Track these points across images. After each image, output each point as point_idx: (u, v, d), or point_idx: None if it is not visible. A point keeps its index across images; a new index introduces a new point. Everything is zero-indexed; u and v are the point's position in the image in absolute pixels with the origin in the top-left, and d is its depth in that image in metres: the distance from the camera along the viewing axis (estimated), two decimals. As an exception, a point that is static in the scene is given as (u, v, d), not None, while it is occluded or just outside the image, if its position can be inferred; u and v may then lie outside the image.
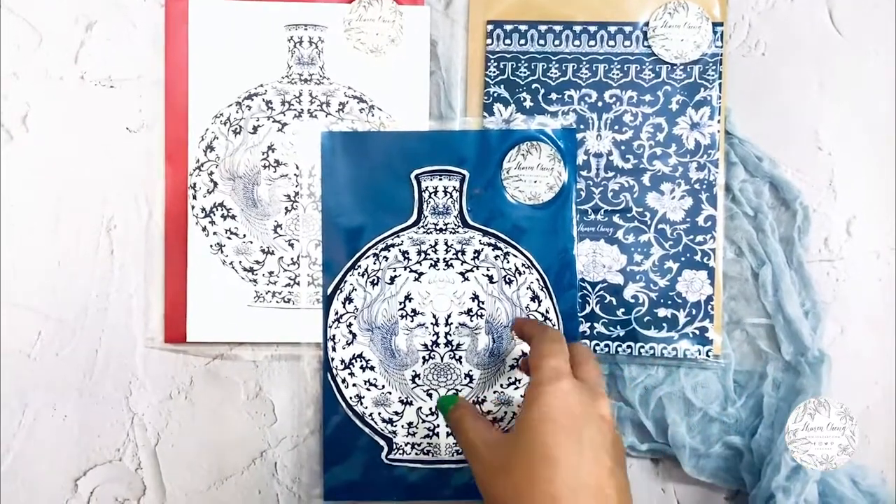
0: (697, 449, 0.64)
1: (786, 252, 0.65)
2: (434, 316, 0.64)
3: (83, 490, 0.66)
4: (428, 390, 0.65)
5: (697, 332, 0.65)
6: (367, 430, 0.65)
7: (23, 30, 0.65)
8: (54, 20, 0.65)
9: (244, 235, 0.66)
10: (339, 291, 0.65)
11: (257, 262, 0.66)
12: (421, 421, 0.65)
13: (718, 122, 0.65)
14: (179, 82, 0.65)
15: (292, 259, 0.66)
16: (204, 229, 0.66)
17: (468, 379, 0.64)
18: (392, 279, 0.65)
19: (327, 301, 0.65)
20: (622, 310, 0.65)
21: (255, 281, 0.66)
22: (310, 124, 0.66)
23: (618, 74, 0.65)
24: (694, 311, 0.65)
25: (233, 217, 0.66)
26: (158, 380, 0.66)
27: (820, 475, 0.60)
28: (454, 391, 0.65)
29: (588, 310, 0.65)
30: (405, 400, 0.65)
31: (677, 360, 0.65)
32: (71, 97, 0.65)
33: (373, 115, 0.66)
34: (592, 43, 0.65)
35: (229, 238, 0.66)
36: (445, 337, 0.64)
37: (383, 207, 0.65)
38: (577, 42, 0.65)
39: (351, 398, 0.65)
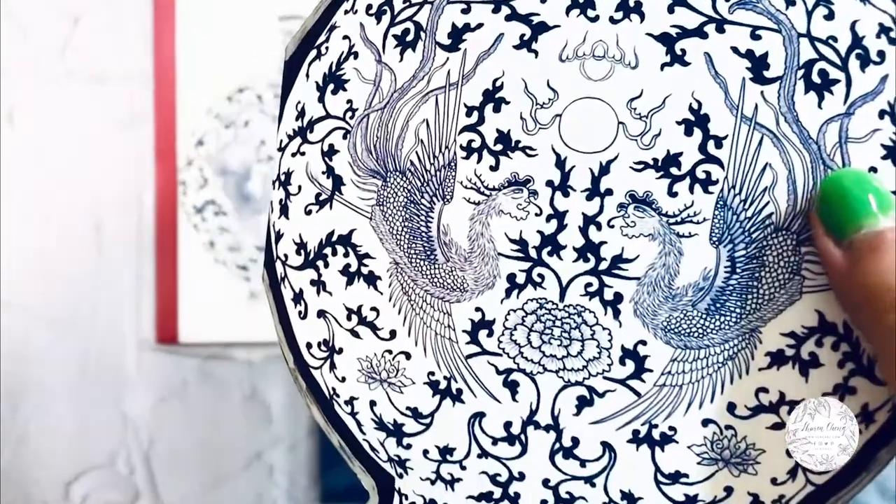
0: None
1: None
2: (560, 160, 0.25)
3: (75, 495, 0.65)
4: (511, 374, 0.26)
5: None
6: (347, 458, 0.29)
7: (8, 25, 0.64)
8: (40, 15, 0.64)
9: (236, 232, 0.64)
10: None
11: (251, 260, 0.64)
12: (478, 452, 0.27)
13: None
14: (168, 77, 0.64)
15: (286, 256, 0.65)
16: (195, 226, 0.64)
17: (629, 362, 0.25)
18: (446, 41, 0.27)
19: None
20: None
21: (248, 279, 0.64)
22: (302, 118, 0.64)
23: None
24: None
25: (224, 213, 0.64)
26: (151, 381, 0.65)
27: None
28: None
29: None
30: (446, 385, 0.27)
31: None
32: (58, 94, 0.64)
33: (366, 108, 0.64)
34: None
35: (221, 235, 0.64)
36: (583, 228, 0.25)
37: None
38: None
39: (314, 363, 0.29)
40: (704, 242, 0.24)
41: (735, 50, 0.24)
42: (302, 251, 0.28)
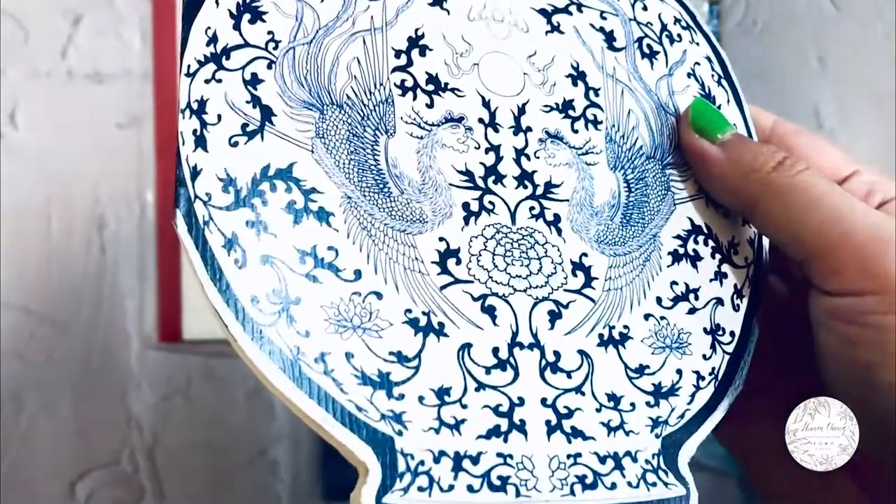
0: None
1: (790, 231, 0.64)
2: (485, 101, 0.28)
3: (80, 494, 0.65)
4: (486, 297, 0.26)
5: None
6: (298, 403, 0.23)
7: (8, 25, 0.65)
8: (40, 15, 0.65)
9: (239, 230, 0.65)
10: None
11: (253, 257, 0.65)
12: (476, 386, 0.25)
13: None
14: (169, 76, 0.64)
15: (288, 253, 0.65)
16: (197, 225, 0.64)
17: (580, 273, 0.28)
18: None
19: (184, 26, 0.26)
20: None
21: (250, 276, 0.65)
22: (303, 115, 0.65)
23: (614, 56, 0.64)
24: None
25: (226, 211, 0.64)
26: (155, 380, 0.65)
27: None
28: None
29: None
30: (424, 320, 0.25)
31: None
32: (59, 93, 0.65)
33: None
34: (587, 25, 0.64)
35: (223, 233, 0.64)
36: (517, 159, 0.28)
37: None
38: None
39: (253, 301, 0.24)
40: (605, 169, 0.29)
41: (592, 26, 0.30)
42: (231, 188, 0.24)
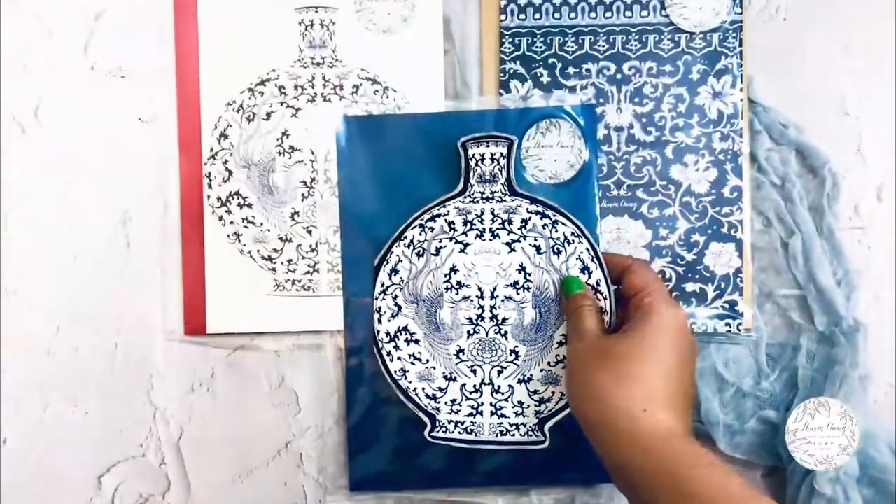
0: (731, 425, 0.63)
1: (815, 220, 0.63)
2: (479, 288, 0.62)
3: (107, 487, 0.66)
4: (472, 366, 0.63)
5: (727, 305, 0.63)
6: (410, 405, 0.63)
7: (31, 22, 0.65)
8: (63, 11, 0.65)
9: (261, 223, 0.65)
10: (385, 262, 0.64)
11: (275, 251, 0.65)
12: (464, 398, 0.63)
13: (741, 90, 0.64)
14: (190, 70, 0.64)
15: (311, 246, 0.65)
16: (220, 218, 0.65)
17: (514, 355, 0.62)
18: (437, 250, 0.63)
19: (374, 272, 0.64)
20: (649, 286, 0.64)
21: (273, 269, 0.65)
22: (324, 108, 0.65)
23: (636, 45, 0.64)
24: (723, 285, 0.63)
25: (249, 205, 0.65)
26: (179, 373, 0.65)
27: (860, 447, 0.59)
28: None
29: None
30: (449, 375, 0.63)
31: (707, 335, 0.64)
32: (82, 89, 0.65)
33: (387, 97, 0.65)
34: (609, 14, 0.64)
35: (246, 227, 0.65)
36: (491, 311, 0.62)
37: (402, 191, 0.64)
38: (593, 14, 0.64)
39: (395, 372, 0.63)
40: (530, 308, 0.62)
41: (530, 244, 0.62)
42: (387, 335, 0.64)
